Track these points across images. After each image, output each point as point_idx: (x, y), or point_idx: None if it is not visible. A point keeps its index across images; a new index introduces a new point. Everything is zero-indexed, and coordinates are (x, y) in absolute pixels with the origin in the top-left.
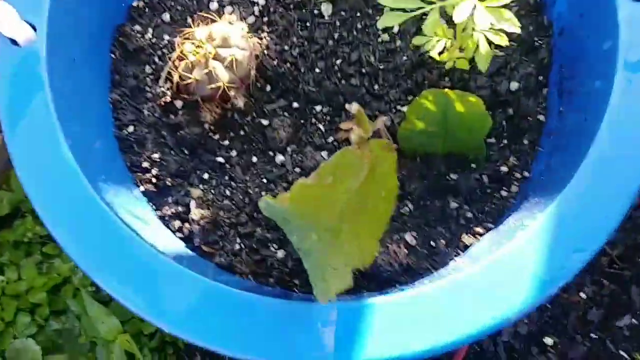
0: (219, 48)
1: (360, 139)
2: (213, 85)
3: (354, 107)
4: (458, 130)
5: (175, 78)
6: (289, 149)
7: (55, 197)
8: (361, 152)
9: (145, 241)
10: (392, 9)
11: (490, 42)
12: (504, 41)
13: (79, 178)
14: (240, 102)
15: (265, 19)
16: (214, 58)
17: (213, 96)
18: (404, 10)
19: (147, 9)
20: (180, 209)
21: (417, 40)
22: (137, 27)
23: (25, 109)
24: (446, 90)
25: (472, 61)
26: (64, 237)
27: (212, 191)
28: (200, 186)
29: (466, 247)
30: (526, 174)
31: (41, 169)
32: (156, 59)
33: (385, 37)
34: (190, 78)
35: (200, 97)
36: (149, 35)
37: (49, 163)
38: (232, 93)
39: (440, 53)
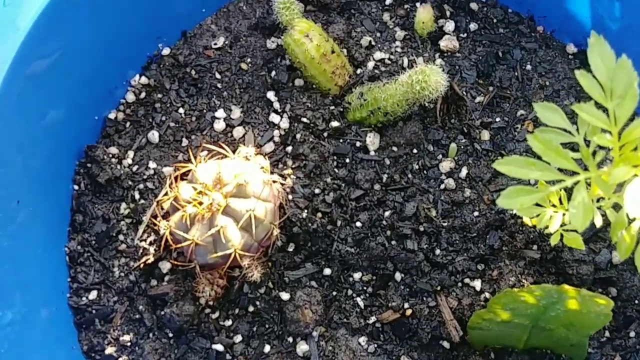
0: (232, 198)
1: None
2: (220, 253)
3: None
4: (555, 325)
5: (164, 230)
6: (315, 333)
7: None
8: None
9: None
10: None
11: None
12: None
13: None
14: (255, 275)
15: (290, 148)
16: (224, 212)
17: (218, 265)
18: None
19: (128, 124)
20: None
21: (523, 212)
22: (113, 149)
23: None
24: (566, 287)
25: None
26: None
27: None
28: None
29: None
30: None
31: None
32: (136, 195)
33: (450, 183)
34: (186, 239)
35: (199, 265)
36: (128, 160)
37: None
38: (245, 262)
39: (532, 217)
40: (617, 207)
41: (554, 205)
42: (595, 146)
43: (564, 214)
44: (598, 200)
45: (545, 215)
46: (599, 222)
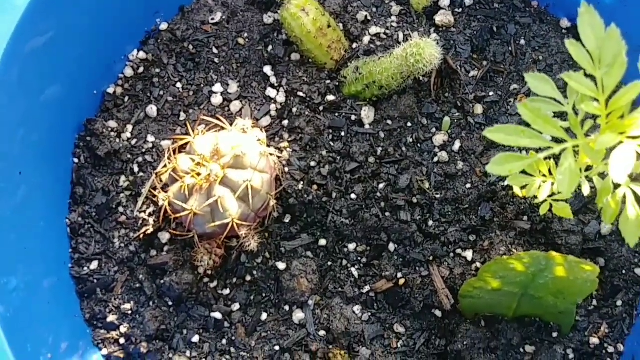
0: (230, 169)
1: None
2: (218, 222)
3: None
4: (544, 293)
5: (163, 201)
6: (310, 301)
7: None
8: None
9: None
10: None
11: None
12: None
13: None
14: (253, 244)
15: (286, 122)
16: (221, 183)
17: (216, 234)
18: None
19: (126, 98)
20: None
21: (513, 181)
22: (112, 123)
23: None
24: (554, 254)
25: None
26: None
27: None
28: (188, 353)
29: None
30: (621, 347)
31: None
32: (135, 168)
33: (444, 156)
34: (185, 209)
35: (197, 235)
36: (127, 134)
37: None
38: (242, 232)
39: (522, 188)
40: (603, 175)
41: (544, 176)
42: (584, 115)
43: (552, 184)
44: (586, 170)
45: (535, 185)
46: (586, 191)
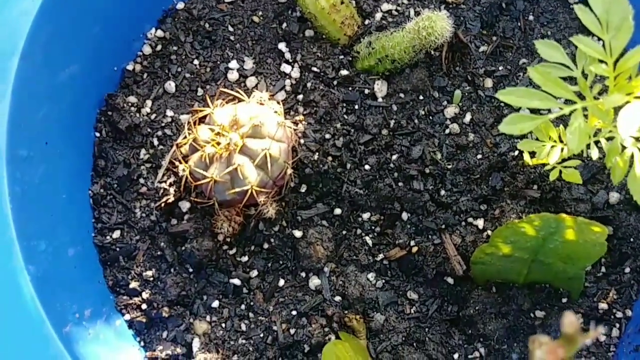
0: (248, 139)
1: None
2: (237, 189)
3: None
4: (554, 258)
5: (183, 172)
6: (326, 268)
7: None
8: None
9: None
10: (517, 110)
11: None
12: None
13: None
14: (271, 211)
15: (301, 96)
16: (240, 152)
17: (235, 202)
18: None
19: (145, 75)
20: (178, 350)
21: (524, 146)
22: (132, 99)
23: None
24: (564, 216)
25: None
26: None
27: (223, 325)
28: (208, 317)
29: None
30: (629, 312)
31: None
32: (155, 142)
33: (455, 127)
34: (205, 177)
35: (217, 202)
36: (146, 109)
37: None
38: (261, 199)
39: (531, 155)
40: (611, 140)
41: (554, 141)
42: (593, 79)
43: (562, 149)
44: (595, 135)
45: (545, 150)
46: (595, 155)
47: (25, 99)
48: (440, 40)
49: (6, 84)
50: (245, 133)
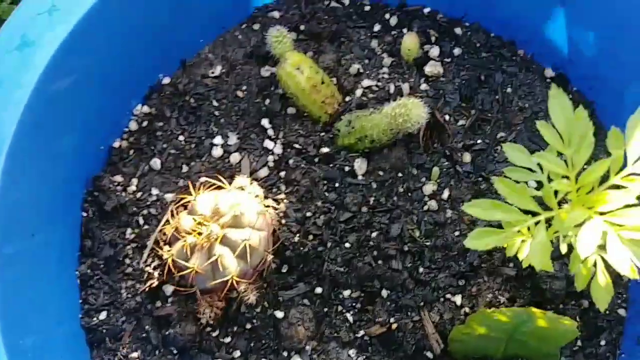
0: (229, 229)
1: None
2: (218, 280)
3: None
4: (528, 337)
5: (166, 258)
6: (308, 347)
7: None
8: None
9: None
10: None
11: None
12: (634, 274)
13: None
14: (251, 298)
15: (283, 173)
16: (221, 242)
17: (217, 290)
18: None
19: (131, 152)
20: None
21: (492, 241)
22: (118, 177)
23: None
24: (533, 310)
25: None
26: None
27: None
28: None
29: None
30: None
31: None
32: (140, 221)
33: (433, 204)
34: (187, 267)
35: (199, 290)
36: (132, 187)
37: None
38: (241, 287)
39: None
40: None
41: (526, 232)
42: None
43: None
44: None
45: (515, 244)
46: (564, 250)
47: (12, 191)
48: (416, 127)
49: None
50: (226, 223)
